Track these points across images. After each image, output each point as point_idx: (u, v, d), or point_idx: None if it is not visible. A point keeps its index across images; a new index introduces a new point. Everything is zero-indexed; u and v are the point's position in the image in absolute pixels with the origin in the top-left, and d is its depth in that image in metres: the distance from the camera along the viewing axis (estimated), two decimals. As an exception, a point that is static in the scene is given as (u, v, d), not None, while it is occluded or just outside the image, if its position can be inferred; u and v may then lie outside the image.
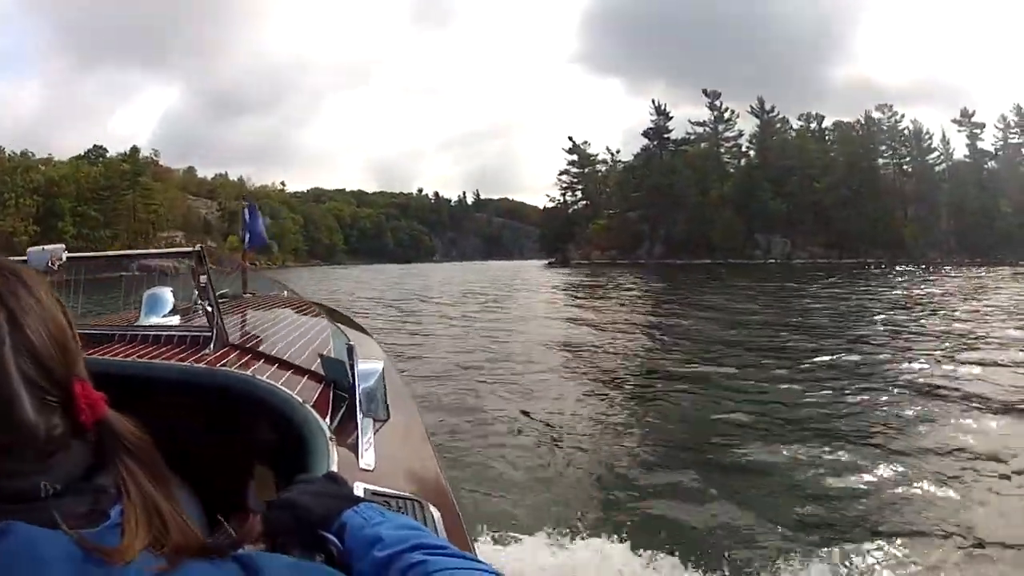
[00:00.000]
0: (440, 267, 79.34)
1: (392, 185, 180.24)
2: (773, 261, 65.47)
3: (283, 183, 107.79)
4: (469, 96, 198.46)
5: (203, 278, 2.06)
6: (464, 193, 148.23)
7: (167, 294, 2.65)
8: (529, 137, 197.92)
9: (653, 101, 78.69)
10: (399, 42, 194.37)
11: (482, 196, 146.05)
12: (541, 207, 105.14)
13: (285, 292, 4.52)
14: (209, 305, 2.04)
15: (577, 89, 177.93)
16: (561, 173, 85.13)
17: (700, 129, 74.27)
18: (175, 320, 2.48)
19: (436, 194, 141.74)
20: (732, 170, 74.01)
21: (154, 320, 2.46)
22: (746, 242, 69.11)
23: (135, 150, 74.20)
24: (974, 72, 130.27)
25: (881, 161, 68.37)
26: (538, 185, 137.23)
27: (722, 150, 73.96)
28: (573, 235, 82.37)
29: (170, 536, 0.52)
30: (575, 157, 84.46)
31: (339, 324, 2.94)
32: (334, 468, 1.16)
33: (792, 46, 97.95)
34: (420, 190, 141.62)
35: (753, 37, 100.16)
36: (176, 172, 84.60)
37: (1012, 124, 63.20)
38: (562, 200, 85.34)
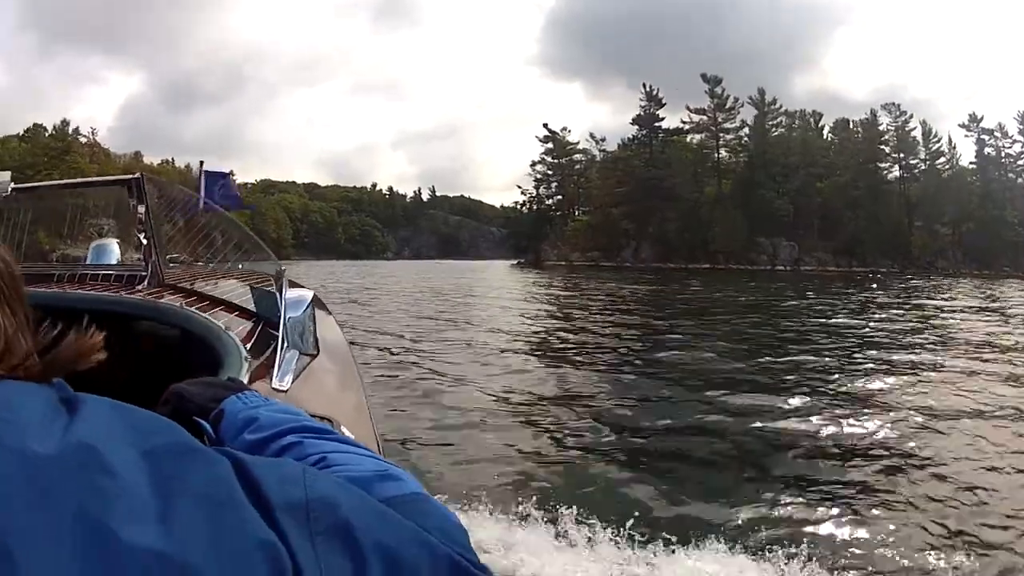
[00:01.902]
0: (398, 265, 70.53)
1: (346, 180, 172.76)
2: (782, 268, 59.78)
3: (231, 172, 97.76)
4: (427, 95, 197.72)
5: (141, 208, 1.94)
6: (420, 189, 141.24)
7: (114, 246, 2.62)
8: (486, 137, 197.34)
9: (644, 85, 70.88)
10: (359, 39, 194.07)
11: (438, 193, 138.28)
12: (499, 206, 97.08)
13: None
14: (145, 237, 1.97)
15: (535, 91, 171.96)
16: (535, 164, 76.17)
17: (698, 118, 67.43)
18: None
19: (391, 189, 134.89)
20: (723, 166, 67.81)
21: None
22: (748, 245, 62.97)
23: (64, 124, 70.37)
24: (941, 82, 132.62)
25: (885, 164, 64.34)
26: (494, 185, 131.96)
27: (720, 142, 67.47)
28: (546, 233, 73.62)
29: (8, 354, 0.47)
30: (551, 146, 75.77)
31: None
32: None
33: (754, 54, 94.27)
34: (374, 185, 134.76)
35: (715, 43, 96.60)
36: (122, 157, 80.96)
37: (1018, 133, 60.80)
38: (535, 194, 76.41)
